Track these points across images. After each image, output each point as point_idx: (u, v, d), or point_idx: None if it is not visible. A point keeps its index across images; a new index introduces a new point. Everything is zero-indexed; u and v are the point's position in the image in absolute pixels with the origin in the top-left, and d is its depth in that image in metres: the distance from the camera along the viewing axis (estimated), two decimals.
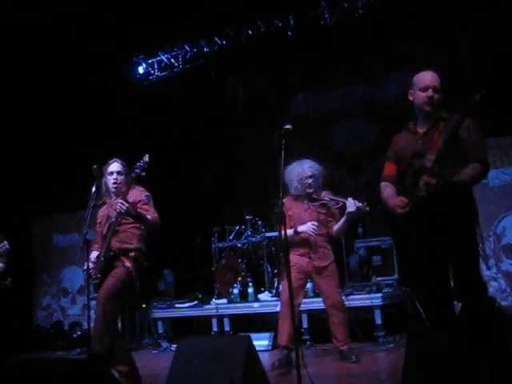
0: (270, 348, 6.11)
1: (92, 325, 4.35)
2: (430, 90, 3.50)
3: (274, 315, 5.78)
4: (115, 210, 4.31)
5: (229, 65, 8.57)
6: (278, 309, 5.23)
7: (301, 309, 5.98)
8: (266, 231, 7.02)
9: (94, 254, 4.53)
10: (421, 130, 3.59)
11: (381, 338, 5.81)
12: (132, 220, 4.42)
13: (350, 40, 7.54)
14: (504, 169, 6.57)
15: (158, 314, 7.33)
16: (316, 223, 4.88)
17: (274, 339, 5.73)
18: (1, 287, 6.22)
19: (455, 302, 3.53)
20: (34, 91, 8.17)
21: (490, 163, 3.51)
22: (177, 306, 7.30)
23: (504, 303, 6.22)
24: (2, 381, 3.08)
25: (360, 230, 7.10)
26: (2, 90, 7.91)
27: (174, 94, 8.97)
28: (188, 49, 8.60)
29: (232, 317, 6.82)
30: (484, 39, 6.77)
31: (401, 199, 3.52)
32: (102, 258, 4.39)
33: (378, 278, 6.43)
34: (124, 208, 4.24)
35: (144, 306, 7.65)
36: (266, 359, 4.84)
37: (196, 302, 7.26)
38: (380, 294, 5.99)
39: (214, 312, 6.88)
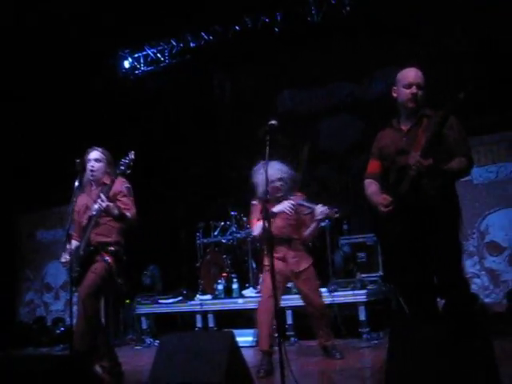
0: (254, 344, 6.09)
1: (75, 321, 4.32)
2: (414, 87, 3.50)
3: None
4: (95, 202, 4.28)
5: (215, 60, 8.53)
6: None
7: (286, 305, 5.99)
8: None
9: (72, 245, 4.47)
10: (404, 127, 3.60)
11: (365, 334, 5.83)
12: None
13: (337, 37, 7.54)
14: (488, 167, 6.62)
15: (141, 309, 7.29)
16: (293, 202, 4.72)
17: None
18: None
19: (438, 299, 3.55)
20: (16, 86, 8.08)
21: (474, 159, 3.53)
22: (161, 301, 7.27)
23: (487, 300, 6.27)
24: None
25: (345, 226, 7.12)
26: None
27: (160, 88, 8.92)
28: (174, 44, 8.56)
29: (216, 313, 6.80)
30: (468, 37, 6.79)
31: (384, 197, 3.51)
32: (82, 252, 4.35)
33: (363, 275, 6.45)
34: (103, 206, 4.21)
35: (128, 301, 7.61)
36: (250, 355, 4.82)
37: (180, 298, 7.24)
38: (364, 291, 6.00)
39: (198, 308, 6.86)
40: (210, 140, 8.61)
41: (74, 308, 4.32)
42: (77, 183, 4.40)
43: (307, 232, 4.88)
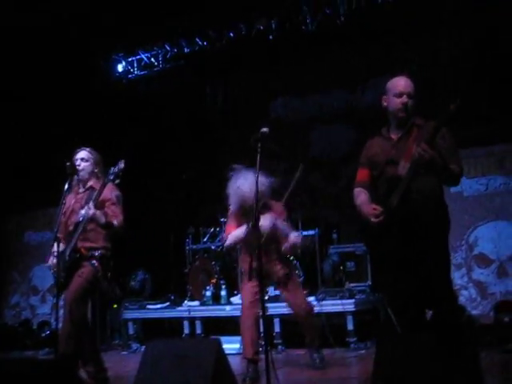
0: (241, 351, 6.06)
1: (60, 324, 4.28)
2: (405, 96, 3.49)
3: None
4: (82, 207, 4.26)
5: (209, 66, 8.54)
6: None
7: (273, 313, 5.97)
8: None
9: (60, 248, 4.40)
10: (394, 136, 3.58)
11: (352, 344, 5.83)
12: None
13: (331, 45, 7.57)
14: (478, 179, 6.64)
15: (129, 314, 7.24)
16: (269, 224, 4.59)
17: None
18: None
19: (426, 310, 3.55)
20: (9, 87, 8.05)
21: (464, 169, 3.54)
22: (148, 307, 7.23)
23: (474, 312, 6.28)
24: None
25: (334, 235, 7.12)
26: None
27: (153, 93, 8.90)
28: (168, 48, 8.56)
29: (204, 319, 6.77)
30: (461, 48, 6.84)
31: (374, 207, 3.49)
32: (68, 258, 4.31)
33: (352, 284, 6.45)
34: (90, 213, 4.19)
35: (115, 306, 7.56)
36: (237, 363, 4.80)
37: (168, 304, 7.20)
38: (352, 300, 6.00)
39: (185, 314, 6.83)
40: (201, 146, 8.59)
41: (61, 312, 4.29)
42: (67, 186, 4.37)
43: (283, 248, 4.78)
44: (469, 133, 6.03)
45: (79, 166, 4.47)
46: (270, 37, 7.83)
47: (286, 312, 5.83)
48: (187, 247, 7.52)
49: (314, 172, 7.93)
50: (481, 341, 5.18)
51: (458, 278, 6.45)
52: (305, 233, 6.97)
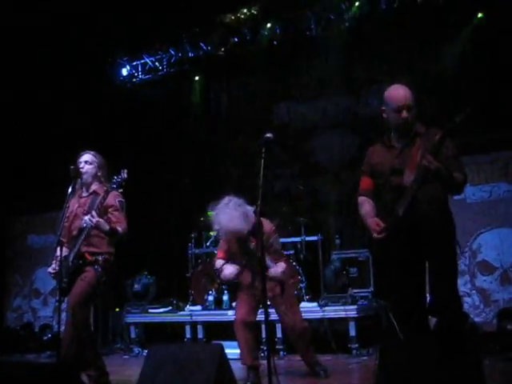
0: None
1: (63, 328, 4.28)
2: (404, 112, 3.40)
3: None
4: (85, 213, 4.26)
5: (213, 71, 8.55)
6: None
7: (275, 319, 5.95)
8: None
9: (63, 253, 4.41)
10: (397, 145, 3.53)
11: (354, 350, 5.82)
12: None
13: (335, 51, 7.57)
14: (481, 186, 6.63)
15: (131, 318, 7.24)
16: (284, 266, 4.69)
17: None
18: None
19: (429, 317, 3.54)
20: (9, 90, 8.07)
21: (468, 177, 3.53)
22: (150, 311, 7.23)
23: (477, 319, 6.26)
24: None
25: (337, 241, 7.11)
26: None
27: (157, 97, 8.92)
28: (173, 53, 8.58)
29: (206, 324, 6.77)
30: (462, 56, 6.85)
31: (377, 223, 3.44)
32: (71, 264, 4.32)
33: (354, 290, 6.44)
34: (94, 222, 4.19)
35: (117, 310, 7.55)
36: (239, 368, 4.79)
37: (170, 308, 7.20)
38: (355, 306, 5.99)
39: (187, 319, 6.82)
40: (205, 150, 8.60)
41: (63, 315, 4.29)
42: (70, 189, 4.38)
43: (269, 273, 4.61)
44: (472, 140, 6.03)
45: (83, 168, 4.48)
46: (275, 42, 7.85)
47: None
48: (190, 252, 7.52)
49: (317, 178, 7.94)
50: (484, 348, 5.16)
51: (461, 284, 6.41)
52: (308, 238, 7.00)
